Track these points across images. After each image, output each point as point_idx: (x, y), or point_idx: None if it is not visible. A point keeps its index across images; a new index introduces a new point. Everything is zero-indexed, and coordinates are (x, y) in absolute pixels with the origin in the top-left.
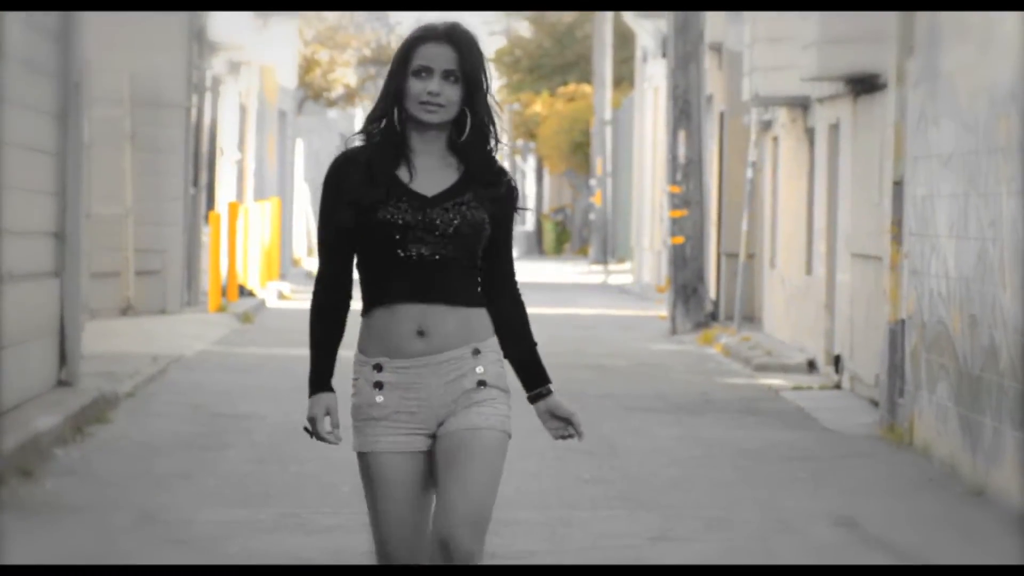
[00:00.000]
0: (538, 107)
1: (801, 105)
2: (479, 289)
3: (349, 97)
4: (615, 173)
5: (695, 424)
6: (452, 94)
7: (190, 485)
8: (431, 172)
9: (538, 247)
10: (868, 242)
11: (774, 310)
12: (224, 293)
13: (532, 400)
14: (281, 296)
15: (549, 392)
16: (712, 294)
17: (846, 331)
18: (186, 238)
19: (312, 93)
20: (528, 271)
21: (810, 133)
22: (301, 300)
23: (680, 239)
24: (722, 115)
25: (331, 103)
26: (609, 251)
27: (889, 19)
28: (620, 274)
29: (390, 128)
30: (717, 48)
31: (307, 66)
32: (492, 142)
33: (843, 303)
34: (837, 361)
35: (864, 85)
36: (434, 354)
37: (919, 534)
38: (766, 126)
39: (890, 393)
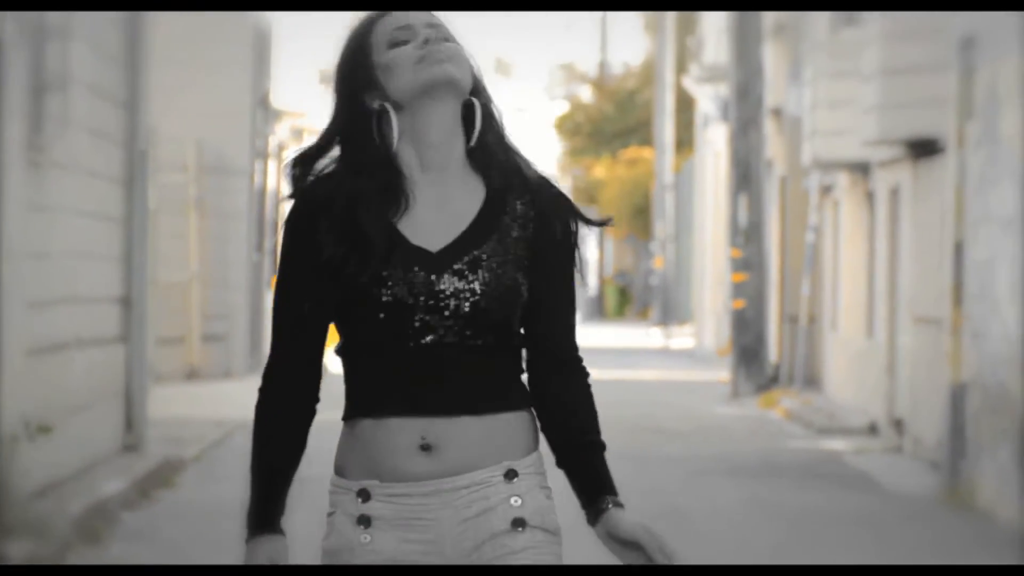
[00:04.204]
0: (599, 172)
1: (861, 169)
2: (521, 375)
3: None
4: (676, 237)
5: (757, 487)
6: (454, 47)
7: None
8: (436, 209)
9: (599, 311)
10: (929, 305)
11: (836, 373)
12: None
13: (591, 520)
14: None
15: (607, 507)
16: (774, 357)
17: (908, 394)
18: (250, 303)
19: None
20: (590, 335)
21: (870, 197)
22: None
23: (741, 303)
24: (783, 179)
25: None
26: (670, 315)
27: (948, 83)
28: (681, 337)
29: (369, 144)
30: (777, 113)
31: None
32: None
33: (905, 366)
34: (899, 424)
35: (924, 149)
36: (447, 476)
37: None
38: (826, 190)
39: (952, 456)
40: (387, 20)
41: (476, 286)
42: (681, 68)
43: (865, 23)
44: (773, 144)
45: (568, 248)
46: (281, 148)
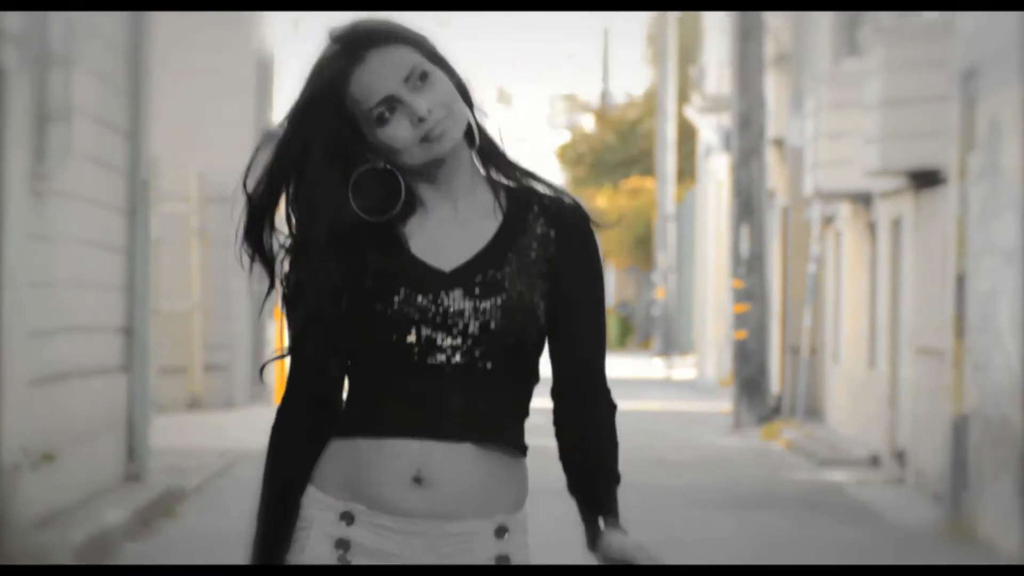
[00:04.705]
0: (601, 202)
1: (863, 200)
2: (526, 417)
3: None
4: (678, 267)
5: (758, 519)
6: (441, 92)
7: None
8: (452, 230)
9: None
10: (931, 337)
11: (837, 404)
12: None
13: (590, 544)
14: (346, 390)
15: (602, 529)
16: (776, 389)
17: (909, 426)
18: (252, 333)
19: None
20: None
21: (872, 227)
22: None
23: (743, 333)
24: (784, 210)
25: None
26: (672, 345)
27: (950, 114)
28: (683, 368)
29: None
30: (779, 143)
31: None
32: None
33: (906, 398)
34: (900, 456)
35: (926, 180)
36: (437, 519)
37: None
38: (828, 221)
39: (954, 488)
40: (360, 84)
41: (487, 306)
42: (683, 98)
43: (866, 54)
44: (775, 174)
45: (591, 271)
46: None
